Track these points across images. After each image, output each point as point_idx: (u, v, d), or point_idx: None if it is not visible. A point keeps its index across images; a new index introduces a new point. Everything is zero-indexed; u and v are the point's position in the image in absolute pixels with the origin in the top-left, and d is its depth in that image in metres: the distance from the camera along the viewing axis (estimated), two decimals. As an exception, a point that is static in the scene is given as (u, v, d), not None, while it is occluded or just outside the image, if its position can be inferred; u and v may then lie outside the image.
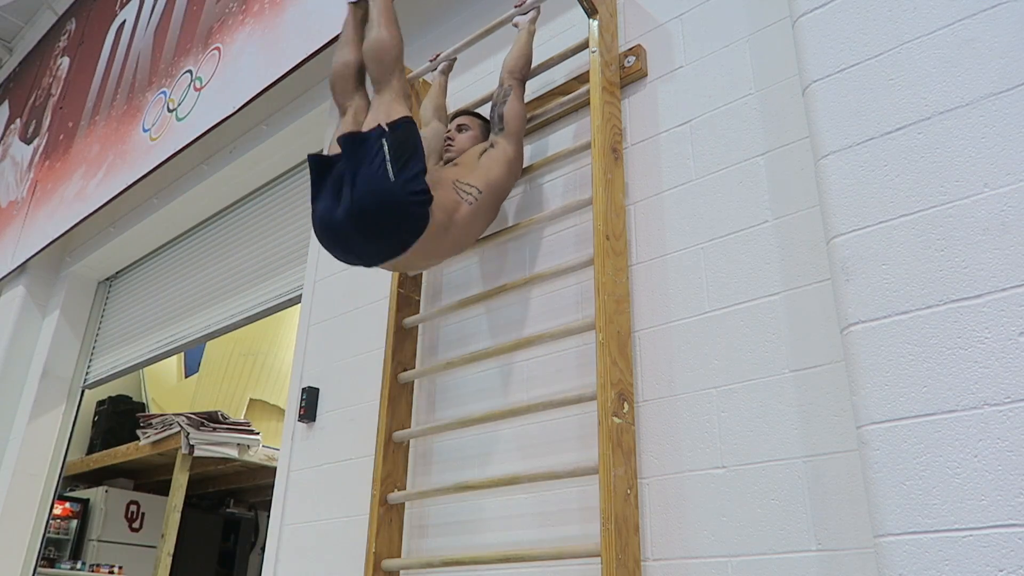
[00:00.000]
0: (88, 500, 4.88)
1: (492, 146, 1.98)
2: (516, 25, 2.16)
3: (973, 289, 1.13)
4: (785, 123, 1.68)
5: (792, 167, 1.64)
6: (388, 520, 1.96)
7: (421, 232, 1.72)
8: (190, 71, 3.69)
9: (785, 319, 1.54)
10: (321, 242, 1.80)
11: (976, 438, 1.06)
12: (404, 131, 1.72)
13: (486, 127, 2.14)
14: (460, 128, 2.14)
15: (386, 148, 1.68)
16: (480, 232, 1.96)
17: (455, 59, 2.39)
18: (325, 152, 1.83)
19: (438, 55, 2.40)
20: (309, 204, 3.15)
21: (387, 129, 1.70)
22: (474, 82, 2.48)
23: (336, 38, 2.79)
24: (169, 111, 3.69)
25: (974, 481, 1.05)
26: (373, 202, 1.66)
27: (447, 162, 2.11)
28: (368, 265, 1.84)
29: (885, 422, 1.14)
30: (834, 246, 1.28)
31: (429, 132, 2.24)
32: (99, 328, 4.49)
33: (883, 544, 1.09)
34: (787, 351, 1.52)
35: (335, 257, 1.83)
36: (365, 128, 1.74)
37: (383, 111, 1.76)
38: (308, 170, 1.81)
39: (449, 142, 2.12)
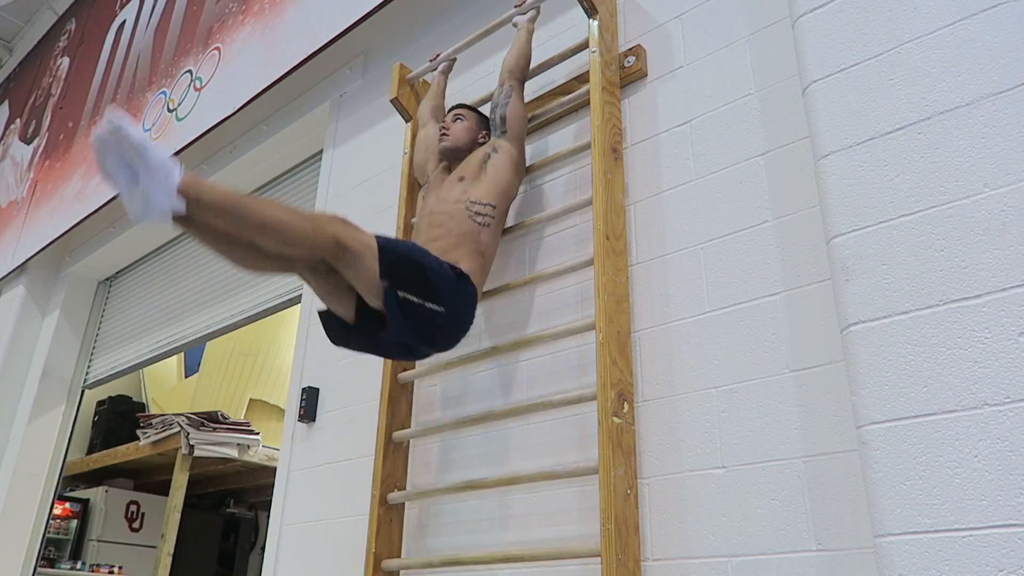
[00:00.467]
0: (88, 500, 4.87)
1: (495, 151, 1.97)
2: (515, 25, 2.16)
3: (973, 289, 1.13)
4: (785, 123, 1.68)
5: (792, 167, 1.64)
6: (388, 520, 1.96)
7: (477, 297, 1.81)
8: (190, 71, 3.69)
9: (785, 319, 1.54)
10: None
11: (976, 438, 1.06)
12: (397, 265, 1.57)
13: (481, 120, 2.13)
14: (456, 118, 2.12)
15: (407, 298, 1.58)
16: (499, 239, 1.97)
17: (455, 59, 2.39)
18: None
19: (438, 55, 2.40)
20: (310, 203, 3.15)
21: (387, 287, 1.55)
22: (474, 82, 2.48)
23: (336, 38, 2.80)
24: (169, 111, 3.69)
25: (974, 481, 1.05)
26: (445, 335, 1.74)
27: (443, 151, 2.09)
28: None
29: (885, 422, 1.14)
30: (834, 246, 1.28)
31: (425, 134, 2.24)
32: (99, 328, 4.49)
33: (883, 544, 1.09)
34: (787, 351, 1.52)
35: None
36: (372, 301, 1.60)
37: (370, 281, 1.57)
38: (322, 325, 1.70)
39: (444, 130, 2.10)
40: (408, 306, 1.58)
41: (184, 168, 1.38)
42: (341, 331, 1.68)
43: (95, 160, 1.36)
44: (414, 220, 2.22)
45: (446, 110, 2.29)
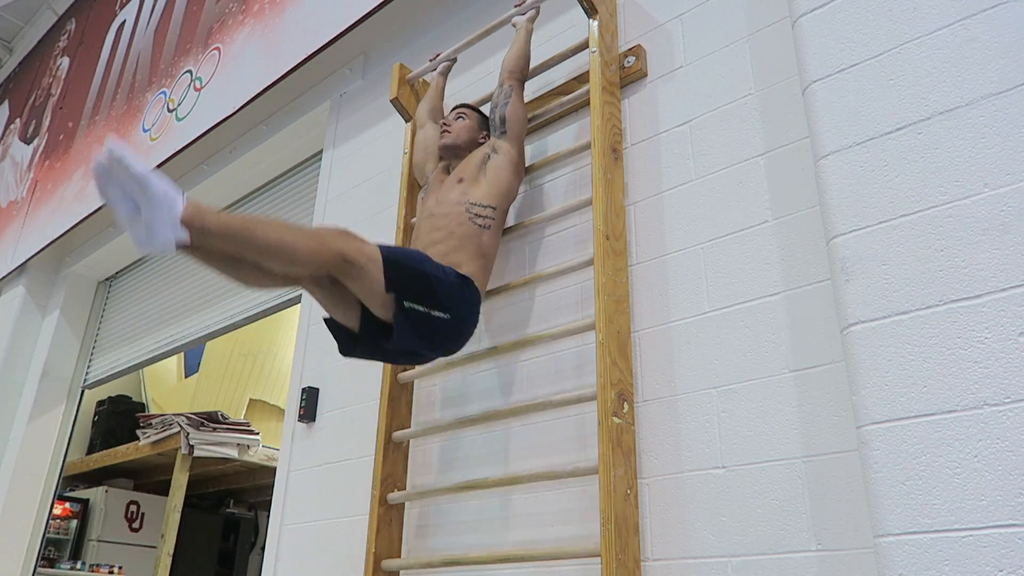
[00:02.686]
0: (88, 500, 4.87)
1: (495, 151, 1.97)
2: (514, 25, 2.16)
3: (973, 289, 1.13)
4: (785, 123, 1.68)
5: (792, 167, 1.64)
6: (388, 520, 1.96)
7: (480, 299, 1.81)
8: (190, 71, 3.69)
9: (785, 319, 1.54)
10: None
11: (976, 438, 1.06)
12: (402, 275, 1.58)
13: (482, 120, 2.13)
14: (458, 116, 2.12)
15: (413, 307, 1.60)
16: (500, 240, 1.98)
17: (455, 59, 2.39)
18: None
19: (438, 55, 2.40)
20: (310, 203, 3.15)
21: (393, 298, 1.57)
22: (474, 82, 2.48)
23: (336, 38, 2.80)
24: (169, 111, 3.69)
25: (974, 481, 1.05)
26: (451, 339, 1.73)
27: (443, 148, 2.10)
28: None
29: (885, 422, 1.14)
30: (834, 246, 1.28)
31: (423, 135, 2.24)
32: (99, 328, 4.49)
33: (883, 544, 1.09)
34: (787, 351, 1.52)
35: None
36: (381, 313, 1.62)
37: (376, 293, 1.58)
38: (329, 330, 1.72)
39: (445, 126, 2.10)
40: (414, 315, 1.60)
41: (186, 196, 1.38)
42: (347, 341, 1.70)
43: (96, 189, 1.35)
44: (414, 220, 2.22)
45: (445, 111, 2.29)
